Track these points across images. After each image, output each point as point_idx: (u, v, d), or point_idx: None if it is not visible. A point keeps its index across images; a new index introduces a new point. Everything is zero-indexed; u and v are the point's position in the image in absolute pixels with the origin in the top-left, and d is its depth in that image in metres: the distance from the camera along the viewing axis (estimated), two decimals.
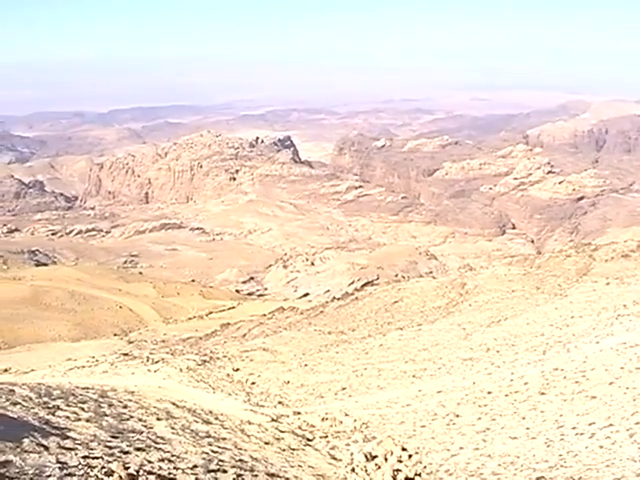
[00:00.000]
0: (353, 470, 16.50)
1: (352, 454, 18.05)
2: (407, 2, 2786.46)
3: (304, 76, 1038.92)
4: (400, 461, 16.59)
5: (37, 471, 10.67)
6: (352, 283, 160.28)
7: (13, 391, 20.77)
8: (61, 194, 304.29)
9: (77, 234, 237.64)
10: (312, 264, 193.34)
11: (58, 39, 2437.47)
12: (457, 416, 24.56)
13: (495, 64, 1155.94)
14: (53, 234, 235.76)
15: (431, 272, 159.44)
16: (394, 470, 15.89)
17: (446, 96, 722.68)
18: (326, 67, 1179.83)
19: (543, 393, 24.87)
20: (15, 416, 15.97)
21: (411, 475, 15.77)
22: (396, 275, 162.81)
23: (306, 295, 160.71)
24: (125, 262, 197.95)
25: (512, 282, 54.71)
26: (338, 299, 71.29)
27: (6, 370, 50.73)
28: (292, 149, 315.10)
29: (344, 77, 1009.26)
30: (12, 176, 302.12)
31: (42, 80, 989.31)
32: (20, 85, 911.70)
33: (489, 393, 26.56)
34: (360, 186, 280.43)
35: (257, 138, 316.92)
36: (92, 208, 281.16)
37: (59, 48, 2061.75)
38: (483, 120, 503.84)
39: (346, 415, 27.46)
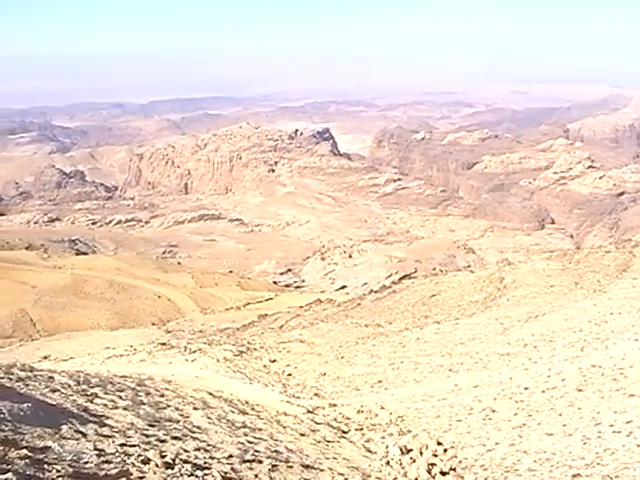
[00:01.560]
0: (388, 463, 16.51)
1: (387, 447, 18.05)
2: None
3: (343, 68, 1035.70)
4: (435, 455, 16.58)
5: (75, 457, 10.79)
6: (390, 276, 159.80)
7: (52, 378, 21.01)
8: (101, 184, 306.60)
9: (117, 224, 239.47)
10: (350, 256, 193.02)
11: (100, 30, 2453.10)
12: (493, 411, 24.46)
13: (536, 56, 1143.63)
14: (93, 224, 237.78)
15: (469, 266, 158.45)
16: (429, 464, 15.87)
17: (486, 89, 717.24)
18: (366, 59, 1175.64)
19: (580, 390, 24.69)
20: (54, 403, 16.16)
21: (446, 469, 15.74)
22: (434, 268, 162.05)
23: (343, 287, 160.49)
24: (164, 252, 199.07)
25: (550, 277, 54.27)
26: (375, 292, 71.09)
27: (46, 357, 51.28)
28: (331, 141, 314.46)
29: (384, 69, 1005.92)
30: (53, 166, 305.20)
31: (83, 71, 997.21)
32: (62, 76, 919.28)
33: (526, 389, 26.41)
34: (399, 179, 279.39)
35: (296, 130, 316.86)
36: (132, 198, 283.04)
37: (101, 39, 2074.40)
38: (523, 113, 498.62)
39: (382, 408, 27.47)
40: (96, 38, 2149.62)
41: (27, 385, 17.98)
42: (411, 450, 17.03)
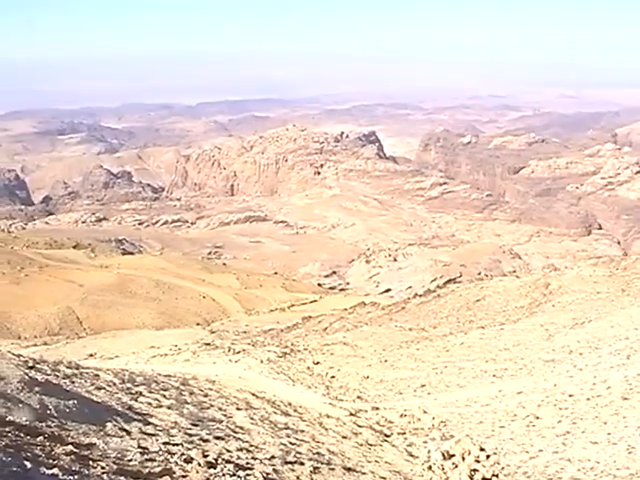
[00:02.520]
0: (430, 468, 16.45)
1: (429, 452, 17.98)
2: None
3: (390, 70, 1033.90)
4: (478, 461, 16.48)
5: (119, 455, 10.91)
6: (434, 280, 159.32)
7: (98, 376, 21.24)
8: (148, 185, 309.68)
9: (163, 224, 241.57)
10: (395, 260, 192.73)
11: (149, 33, 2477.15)
12: (537, 418, 24.25)
13: (585, 60, 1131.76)
14: (140, 224, 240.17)
15: (514, 271, 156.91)
16: (471, 470, 15.79)
17: (533, 92, 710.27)
18: (414, 61, 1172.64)
19: (626, 398, 24.39)
20: (99, 400, 16.34)
21: (488, 476, 15.65)
22: (479, 273, 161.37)
23: (388, 291, 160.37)
24: (209, 253, 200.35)
25: (597, 283, 53.64)
26: (420, 296, 70.84)
27: (91, 355, 51.76)
28: (377, 144, 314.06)
29: (431, 71, 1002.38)
30: (101, 166, 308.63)
31: (132, 73, 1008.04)
32: (111, 77, 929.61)
33: (570, 396, 26.15)
34: (445, 183, 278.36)
35: (342, 133, 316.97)
36: (178, 199, 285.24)
37: (150, 42, 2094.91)
38: (571, 118, 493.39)
39: (424, 412, 27.38)
40: (145, 40, 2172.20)
41: (73, 382, 18.19)
42: (453, 455, 16.94)
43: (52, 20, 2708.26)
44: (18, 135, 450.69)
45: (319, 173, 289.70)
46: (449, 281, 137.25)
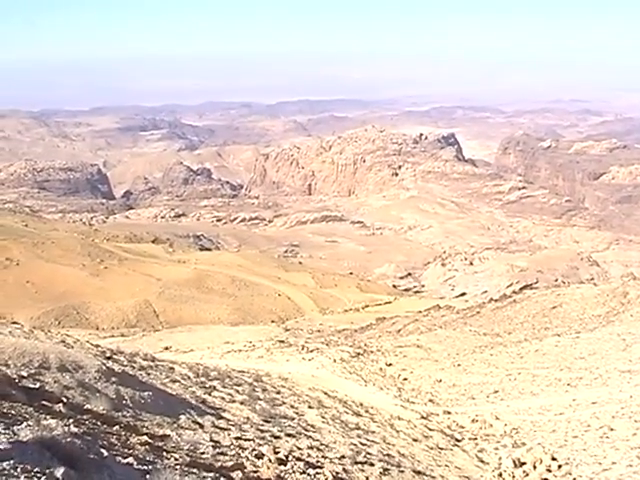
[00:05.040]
0: (500, 475, 16.34)
1: (500, 459, 17.87)
2: None
3: (471, 73, 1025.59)
4: (549, 470, 16.32)
5: (192, 447, 11.05)
6: (510, 285, 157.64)
7: (173, 369, 21.57)
8: (227, 182, 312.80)
9: (241, 222, 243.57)
10: (471, 264, 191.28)
11: (230, 32, 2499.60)
12: (611, 429, 23.78)
13: None
14: (218, 220, 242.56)
15: (592, 279, 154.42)
16: (542, 479, 15.63)
17: (617, 97, 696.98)
18: (494, 64, 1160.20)
19: None
20: (173, 393, 16.59)
21: None
22: (556, 280, 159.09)
23: (463, 294, 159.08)
24: (285, 251, 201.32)
25: None
26: (495, 300, 70.14)
27: (167, 348, 52.53)
28: (456, 147, 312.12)
29: (512, 74, 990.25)
30: (181, 163, 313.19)
31: (214, 71, 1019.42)
32: (193, 76, 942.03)
33: None
34: (523, 187, 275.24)
35: (421, 134, 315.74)
36: (256, 197, 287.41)
37: (230, 41, 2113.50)
38: None
39: (497, 419, 27.14)
40: (226, 40, 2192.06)
41: (149, 374, 18.50)
42: (524, 463, 16.79)
43: (136, 19, 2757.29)
44: (101, 130, 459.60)
45: (397, 174, 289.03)
46: (525, 287, 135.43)
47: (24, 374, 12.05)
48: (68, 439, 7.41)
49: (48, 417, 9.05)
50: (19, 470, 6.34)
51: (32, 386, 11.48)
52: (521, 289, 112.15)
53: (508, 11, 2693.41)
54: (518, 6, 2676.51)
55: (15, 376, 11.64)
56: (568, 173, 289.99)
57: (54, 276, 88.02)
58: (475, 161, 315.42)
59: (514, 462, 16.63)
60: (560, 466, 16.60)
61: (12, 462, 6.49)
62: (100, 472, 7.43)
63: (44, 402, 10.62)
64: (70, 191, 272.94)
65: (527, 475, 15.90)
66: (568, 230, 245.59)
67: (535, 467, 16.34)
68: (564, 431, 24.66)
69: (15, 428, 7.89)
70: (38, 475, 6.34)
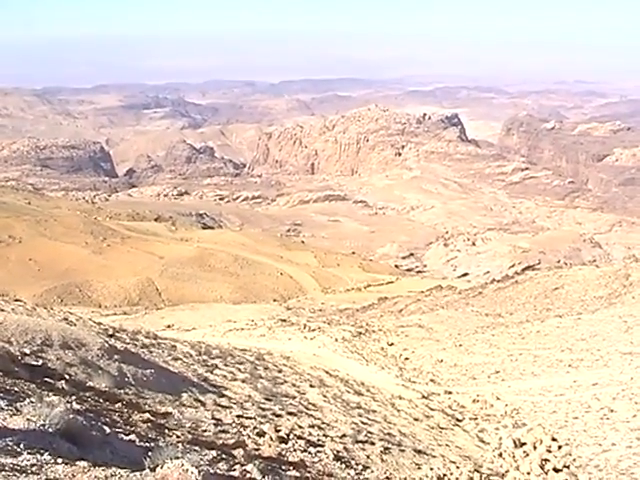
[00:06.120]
0: (500, 455, 16.40)
1: (501, 439, 17.93)
2: None
3: (476, 53, 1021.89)
4: (549, 451, 16.38)
5: (194, 425, 11.12)
6: (513, 266, 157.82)
7: (175, 347, 21.64)
8: (230, 161, 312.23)
9: (243, 200, 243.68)
10: (473, 244, 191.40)
11: (237, 10, 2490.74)
12: (612, 411, 23.83)
13: None
14: (220, 199, 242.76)
15: (594, 260, 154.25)
16: (542, 459, 15.69)
17: (622, 79, 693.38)
18: (498, 45, 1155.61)
19: None
20: (176, 371, 16.65)
21: (559, 466, 15.53)
22: (558, 261, 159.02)
23: (465, 275, 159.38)
24: (288, 230, 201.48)
25: None
26: (497, 281, 70.16)
27: (169, 326, 52.63)
28: (459, 127, 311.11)
29: (517, 55, 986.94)
30: (184, 141, 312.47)
31: (217, 50, 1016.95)
32: (196, 54, 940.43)
33: None
34: (527, 168, 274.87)
35: (424, 114, 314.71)
36: (259, 176, 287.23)
37: (233, 19, 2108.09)
38: None
39: (497, 399, 27.21)
40: (231, 18, 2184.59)
41: (151, 352, 18.57)
42: (525, 444, 16.86)
43: None
44: (104, 108, 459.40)
45: (400, 154, 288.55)
46: (527, 268, 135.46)
47: (27, 351, 12.10)
48: (71, 416, 7.45)
49: (51, 394, 9.10)
50: (22, 446, 6.38)
51: (35, 363, 11.53)
52: (523, 270, 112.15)
53: None
54: None
55: (18, 353, 11.69)
56: (572, 155, 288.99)
57: (57, 254, 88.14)
58: (478, 142, 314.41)
59: (514, 442, 16.70)
60: (560, 447, 16.67)
61: (16, 438, 6.53)
62: (102, 449, 7.48)
63: (47, 379, 10.67)
64: (73, 169, 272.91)
65: (527, 455, 15.96)
66: (571, 212, 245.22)
67: (535, 447, 16.40)
68: (564, 412, 24.73)
69: (18, 404, 7.94)
70: (41, 451, 6.38)
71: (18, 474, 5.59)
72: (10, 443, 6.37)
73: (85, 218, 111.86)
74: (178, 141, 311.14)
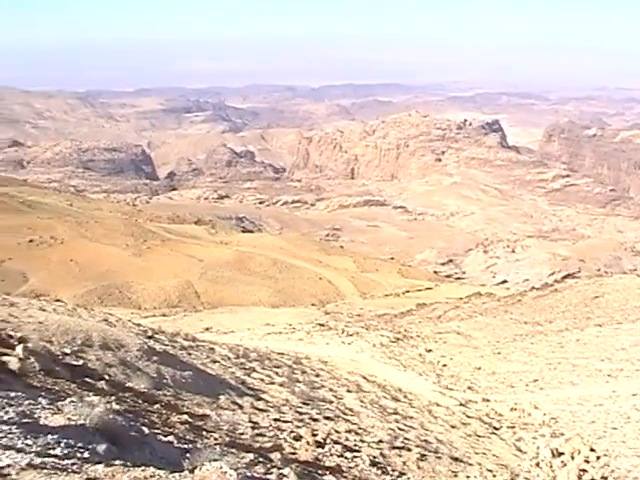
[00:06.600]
0: (538, 465, 16.28)
1: (538, 448, 17.78)
2: None
3: (517, 59, 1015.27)
4: (587, 462, 16.23)
5: (231, 427, 11.17)
6: (552, 274, 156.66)
7: (213, 349, 21.75)
8: (270, 165, 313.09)
9: (283, 204, 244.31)
10: (513, 251, 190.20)
11: (279, 14, 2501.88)
12: None
13: None
14: (260, 203, 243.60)
15: (635, 269, 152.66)
16: (580, 470, 15.56)
17: None
18: (539, 51, 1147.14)
19: None
20: (213, 373, 16.74)
21: (597, 477, 15.39)
22: (598, 269, 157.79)
23: (504, 282, 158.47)
24: (327, 235, 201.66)
25: None
26: (537, 289, 69.64)
27: (208, 329, 52.78)
28: (500, 133, 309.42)
29: (558, 61, 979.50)
30: (225, 145, 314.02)
31: (258, 54, 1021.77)
32: (237, 58, 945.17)
33: None
34: (567, 175, 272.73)
35: (465, 120, 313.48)
36: (299, 180, 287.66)
37: (275, 23, 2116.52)
38: None
39: (535, 408, 27.01)
40: (273, 22, 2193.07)
41: (189, 354, 18.69)
42: (562, 454, 16.72)
43: (184, 1, 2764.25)
44: (146, 112, 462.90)
45: (440, 160, 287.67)
46: (567, 276, 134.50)
47: (67, 351, 12.23)
48: (110, 416, 7.53)
49: (91, 394, 9.19)
50: (62, 445, 6.45)
51: (75, 363, 11.66)
52: (563, 278, 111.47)
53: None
54: None
55: (59, 353, 11.82)
56: (613, 162, 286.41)
57: (97, 255, 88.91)
58: (519, 148, 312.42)
59: (552, 452, 16.57)
60: (598, 457, 16.51)
61: (56, 436, 6.61)
62: (141, 449, 7.54)
63: (87, 379, 10.79)
64: (114, 171, 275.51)
65: (565, 465, 15.83)
66: (612, 219, 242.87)
67: (573, 458, 16.27)
68: (603, 422, 24.49)
69: (59, 404, 8.03)
70: (81, 450, 6.44)
71: (59, 472, 5.65)
72: (51, 441, 6.45)
73: (126, 220, 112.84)
74: (219, 145, 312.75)
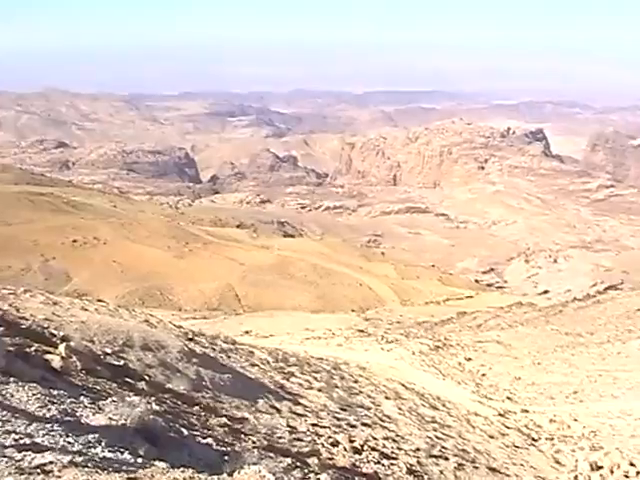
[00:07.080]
0: (576, 478, 16.15)
1: (577, 461, 17.63)
2: None
3: (562, 67, 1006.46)
4: (627, 476, 16.07)
5: (269, 431, 11.20)
6: (594, 285, 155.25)
7: (252, 353, 21.83)
8: (312, 170, 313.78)
9: (325, 210, 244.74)
10: (555, 261, 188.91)
11: (325, 20, 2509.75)
12: None
13: None
14: (302, 208, 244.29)
15: None
16: None
17: None
18: (584, 59, 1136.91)
19: None
20: (252, 377, 16.80)
21: None
22: None
23: (546, 292, 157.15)
24: (368, 241, 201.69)
25: None
26: (579, 300, 69.01)
27: (247, 332, 52.93)
28: (543, 142, 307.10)
29: (604, 70, 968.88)
30: (268, 149, 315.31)
31: (304, 59, 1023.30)
32: (281, 63, 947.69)
33: None
34: (612, 185, 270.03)
35: (508, 129, 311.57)
36: (341, 186, 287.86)
37: (324, 28, 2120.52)
38: None
39: (575, 420, 26.74)
40: (318, 28, 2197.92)
41: (229, 357, 18.78)
42: (601, 467, 16.57)
43: (229, 4, 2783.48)
44: (190, 115, 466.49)
45: (483, 168, 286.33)
46: (610, 287, 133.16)
47: (108, 351, 12.35)
48: (150, 416, 7.60)
49: (131, 394, 9.28)
50: (103, 444, 6.53)
51: (116, 363, 11.77)
52: (605, 289, 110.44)
53: (600, 5, 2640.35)
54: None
55: (100, 352, 11.94)
56: None
57: (140, 256, 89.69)
58: (563, 157, 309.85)
59: (591, 465, 16.43)
60: (638, 472, 16.33)
61: (97, 435, 6.69)
62: (180, 450, 7.60)
63: (127, 379, 10.89)
64: (158, 174, 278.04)
65: (604, 479, 15.68)
66: None
67: (612, 472, 16.11)
68: None
69: (100, 403, 8.13)
70: (121, 450, 6.52)
71: (100, 471, 5.72)
72: (92, 440, 6.53)
73: (168, 222, 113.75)
74: (262, 149, 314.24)
